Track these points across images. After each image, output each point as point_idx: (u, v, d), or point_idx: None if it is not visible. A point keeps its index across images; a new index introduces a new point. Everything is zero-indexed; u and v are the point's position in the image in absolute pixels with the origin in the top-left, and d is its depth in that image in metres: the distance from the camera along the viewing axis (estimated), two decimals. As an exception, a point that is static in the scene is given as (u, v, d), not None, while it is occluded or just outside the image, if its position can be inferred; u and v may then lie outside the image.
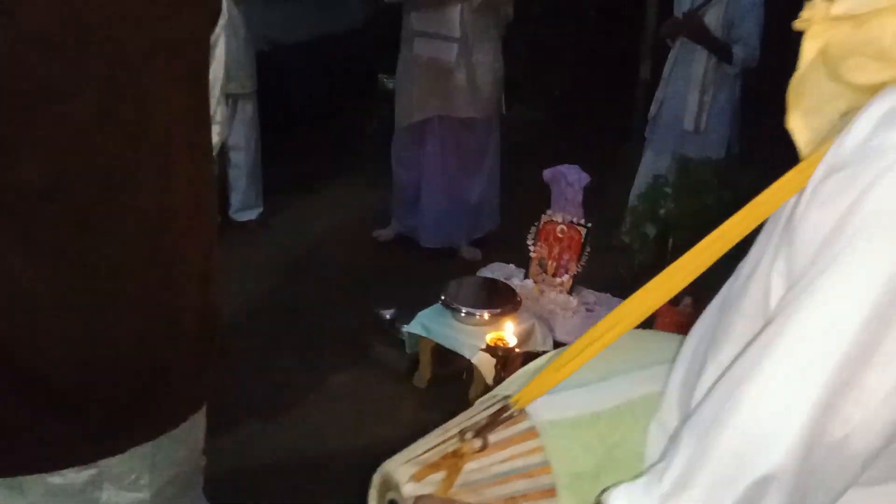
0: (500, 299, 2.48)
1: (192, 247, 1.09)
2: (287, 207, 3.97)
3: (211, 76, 1.13)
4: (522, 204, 3.06)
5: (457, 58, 3.14)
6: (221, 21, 1.14)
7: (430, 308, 2.52)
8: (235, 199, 3.76)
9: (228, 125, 3.49)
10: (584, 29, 5.62)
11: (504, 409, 0.74)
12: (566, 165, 2.71)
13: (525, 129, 4.93)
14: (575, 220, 2.65)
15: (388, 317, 2.79)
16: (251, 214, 3.80)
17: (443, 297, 2.48)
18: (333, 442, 2.35)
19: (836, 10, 0.56)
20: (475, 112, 3.27)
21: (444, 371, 2.54)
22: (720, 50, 2.85)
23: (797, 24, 0.58)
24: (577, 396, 0.74)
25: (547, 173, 2.75)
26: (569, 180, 2.71)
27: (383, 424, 2.39)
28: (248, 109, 3.59)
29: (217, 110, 1.19)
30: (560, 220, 2.67)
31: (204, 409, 1.24)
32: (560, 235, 2.65)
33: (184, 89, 1.05)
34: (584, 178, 2.69)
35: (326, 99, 5.19)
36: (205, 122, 1.12)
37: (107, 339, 1.00)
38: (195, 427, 1.22)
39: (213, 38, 1.12)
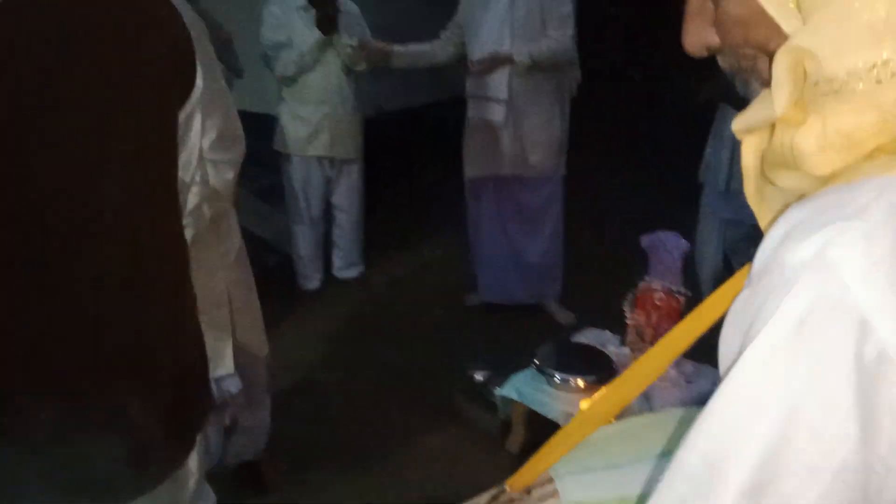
0: (596, 366, 2.44)
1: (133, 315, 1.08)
2: (387, 266, 4.08)
3: (189, 143, 1.16)
4: (611, 266, 3.03)
5: (504, 119, 3.20)
6: (195, 95, 1.14)
7: (524, 372, 2.51)
8: (338, 257, 3.91)
9: (323, 191, 3.65)
10: (659, 87, 5.58)
11: (501, 492, 0.75)
12: (664, 232, 2.67)
13: (607, 189, 4.91)
14: (674, 288, 2.59)
15: (480, 379, 2.80)
16: (353, 272, 3.93)
17: (536, 362, 2.47)
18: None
19: (736, 125, 0.57)
20: (527, 171, 3.29)
21: (536, 436, 2.51)
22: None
23: (736, 131, 0.58)
24: (606, 478, 0.73)
25: (644, 239, 2.71)
26: (667, 247, 2.66)
27: (474, 488, 2.37)
28: (353, 172, 3.75)
29: (196, 174, 1.22)
30: (658, 287, 2.62)
31: (191, 466, 1.18)
32: (658, 303, 2.59)
33: (137, 154, 1.06)
34: (684, 244, 2.64)
35: (429, 161, 5.35)
36: (167, 187, 1.14)
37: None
38: (178, 488, 1.17)
39: (189, 108, 1.14)
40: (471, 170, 3.38)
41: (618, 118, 6.17)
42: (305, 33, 3.31)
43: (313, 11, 3.30)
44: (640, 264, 2.71)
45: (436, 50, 3.36)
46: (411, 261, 4.19)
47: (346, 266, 3.92)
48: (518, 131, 3.21)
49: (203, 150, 1.20)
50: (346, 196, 3.76)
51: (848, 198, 0.47)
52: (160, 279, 1.13)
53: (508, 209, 3.40)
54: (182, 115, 1.12)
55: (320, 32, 3.29)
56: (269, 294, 3.54)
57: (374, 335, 3.42)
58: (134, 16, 1.06)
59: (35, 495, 1.00)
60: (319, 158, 3.58)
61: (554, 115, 3.28)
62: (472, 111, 3.31)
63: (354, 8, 3.49)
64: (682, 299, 2.55)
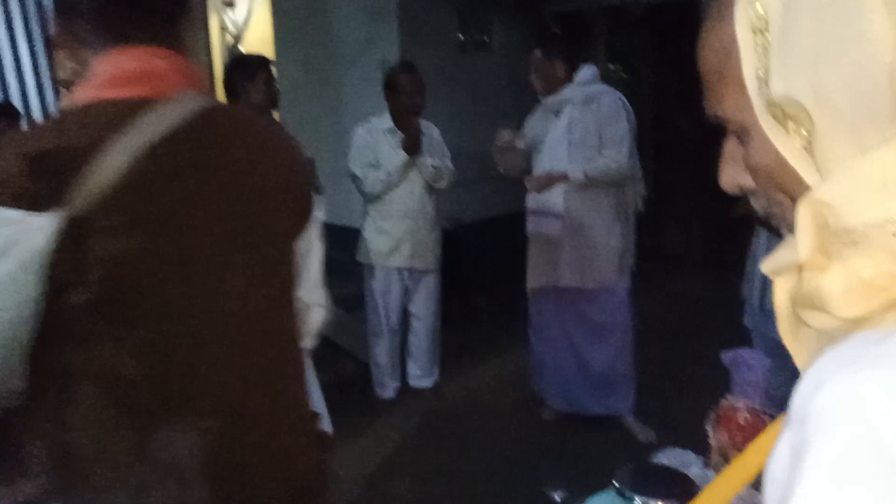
0: (678, 490, 2.36)
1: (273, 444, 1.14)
2: (462, 376, 4.11)
3: (311, 267, 1.25)
4: (690, 380, 2.97)
5: (562, 233, 3.29)
6: (315, 224, 1.24)
7: (603, 493, 2.43)
8: (413, 366, 3.97)
9: (401, 300, 3.76)
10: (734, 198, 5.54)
11: None
12: (747, 349, 2.63)
13: (683, 299, 4.85)
14: (759, 407, 2.53)
15: (557, 499, 2.74)
16: (427, 382, 3.97)
17: (616, 484, 2.42)
18: None
19: (765, 267, 0.58)
20: (587, 284, 3.33)
21: (616, 560, 2.42)
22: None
23: (767, 272, 0.59)
24: None
25: (726, 357, 2.67)
26: (750, 364, 2.62)
27: None
28: (430, 283, 3.86)
29: (318, 294, 1.30)
30: (742, 406, 2.56)
31: None
32: (743, 423, 2.52)
33: (262, 283, 1.13)
34: (767, 362, 2.59)
35: (505, 272, 5.43)
36: (287, 311, 1.21)
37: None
38: None
39: (308, 235, 1.23)
40: (532, 281, 3.46)
41: (692, 228, 6.16)
42: (392, 154, 3.53)
43: (399, 134, 3.53)
44: (721, 380, 2.67)
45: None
46: (487, 372, 4.21)
47: (421, 375, 3.97)
48: (576, 245, 3.28)
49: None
50: (424, 305, 3.86)
51: (878, 346, 0.48)
52: (285, 398, 1.19)
53: (571, 320, 3.43)
54: (302, 243, 1.21)
55: (406, 154, 3.51)
56: (346, 401, 3.63)
57: (448, 446, 3.42)
58: (268, 152, 1.17)
59: None
60: (400, 269, 3.71)
61: (614, 228, 3.33)
62: (531, 225, 3.43)
63: (436, 131, 3.71)
64: (768, 420, 2.49)
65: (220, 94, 3.12)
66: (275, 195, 1.16)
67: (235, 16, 6.50)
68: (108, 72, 1.03)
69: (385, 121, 3.59)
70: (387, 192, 3.57)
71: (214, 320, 1.07)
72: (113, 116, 0.98)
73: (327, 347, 4.30)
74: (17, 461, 1.06)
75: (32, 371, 1.02)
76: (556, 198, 3.29)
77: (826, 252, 0.53)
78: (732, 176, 0.62)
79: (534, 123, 3.44)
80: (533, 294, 3.51)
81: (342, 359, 4.30)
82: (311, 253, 1.25)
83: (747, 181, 0.61)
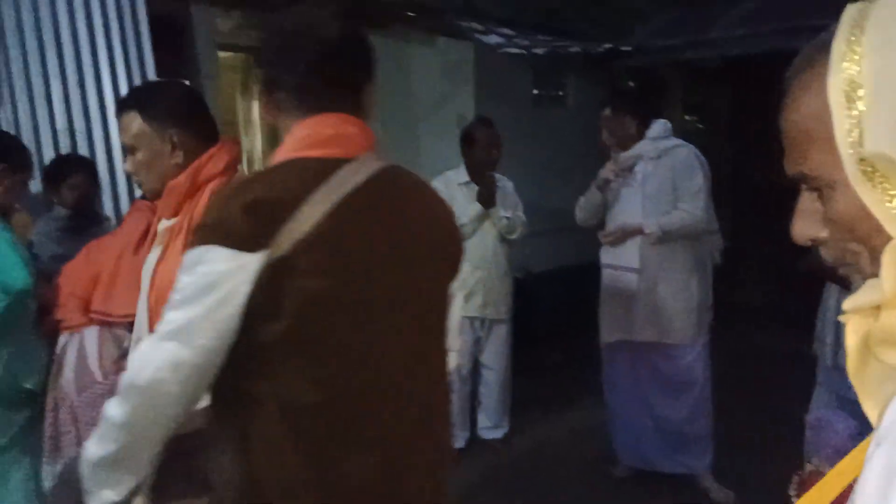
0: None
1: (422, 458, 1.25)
2: (531, 428, 4.07)
3: (454, 314, 1.36)
4: (771, 440, 2.86)
5: (637, 287, 3.25)
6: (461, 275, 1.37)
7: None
8: (483, 417, 3.96)
9: (472, 350, 3.79)
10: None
11: None
12: (832, 412, 2.54)
13: (766, 356, 4.69)
14: (844, 472, 2.42)
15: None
16: (497, 433, 3.95)
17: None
18: None
19: (846, 305, 0.61)
20: (662, 338, 3.26)
21: None
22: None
23: (841, 318, 0.63)
24: None
25: (811, 419, 2.58)
26: (836, 427, 2.52)
27: None
28: (501, 332, 3.87)
29: (454, 341, 1.38)
30: (827, 471, 2.46)
31: None
32: (827, 488, 2.42)
33: (426, 325, 1.26)
34: (852, 426, 2.49)
35: (576, 323, 5.40)
36: (441, 352, 1.32)
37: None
38: None
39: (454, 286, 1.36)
40: (606, 335, 3.42)
41: (772, 280, 5.99)
42: (466, 206, 3.61)
43: (474, 187, 3.62)
44: (802, 439, 2.57)
45: None
46: (558, 425, 4.15)
47: (491, 426, 3.95)
48: (652, 299, 3.24)
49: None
50: (495, 355, 3.87)
51: None
52: (437, 433, 1.30)
53: (647, 375, 3.36)
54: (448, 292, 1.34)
55: (480, 206, 3.58)
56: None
57: (517, 500, 3.38)
58: (433, 205, 1.33)
59: None
60: (472, 318, 3.74)
61: (690, 282, 3.28)
62: (606, 279, 3.40)
63: (509, 184, 3.78)
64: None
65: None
66: (440, 244, 1.30)
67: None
68: (308, 135, 1.20)
69: (460, 174, 3.69)
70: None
71: (385, 358, 1.18)
72: (312, 173, 1.14)
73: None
74: (194, 480, 1.17)
75: (217, 395, 1.15)
76: (630, 252, 3.27)
77: None
78: (805, 228, 0.66)
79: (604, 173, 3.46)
80: (607, 348, 3.47)
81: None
82: (453, 303, 1.36)
83: (819, 233, 0.65)
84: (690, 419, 3.33)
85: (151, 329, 1.49)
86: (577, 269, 5.54)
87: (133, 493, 1.15)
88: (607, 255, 3.39)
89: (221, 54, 6.14)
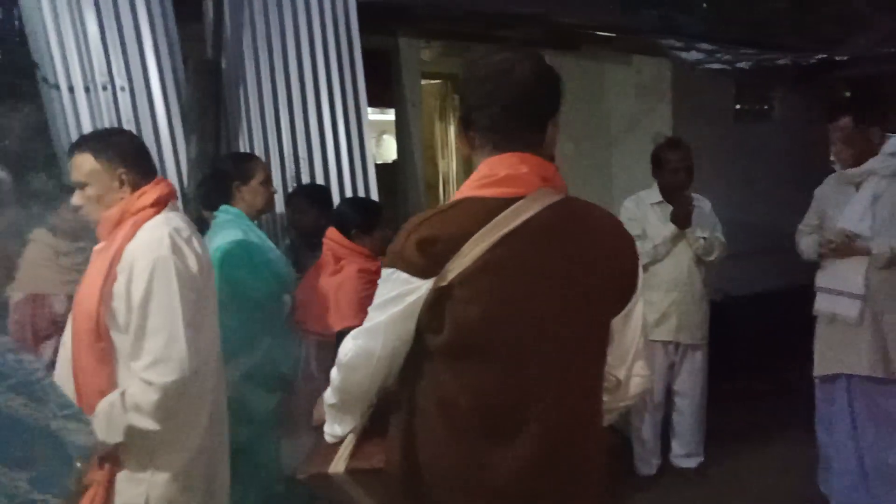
0: None
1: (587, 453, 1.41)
2: (727, 459, 3.87)
3: (625, 343, 1.45)
4: None
5: (860, 315, 2.94)
6: (631, 305, 1.43)
7: None
8: (677, 445, 3.83)
9: (665, 375, 3.68)
10: None
11: None
12: None
13: None
14: None
15: None
16: (691, 462, 3.80)
17: None
18: None
19: None
20: (890, 374, 2.93)
21: None
22: None
23: None
24: None
25: None
26: None
27: None
28: (696, 358, 3.73)
29: (637, 366, 1.47)
30: None
31: None
32: None
33: (576, 347, 1.38)
34: None
35: (778, 350, 5.07)
36: (593, 376, 1.44)
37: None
38: None
39: (624, 314, 1.43)
40: (821, 367, 3.16)
41: None
42: (659, 227, 3.54)
43: (667, 207, 3.54)
44: None
45: None
46: (756, 458, 3.91)
47: (684, 455, 3.81)
48: (878, 329, 2.95)
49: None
50: (689, 382, 3.73)
51: None
52: (596, 412, 1.46)
53: (868, 414, 3.05)
54: (619, 318, 1.42)
55: (674, 226, 3.50)
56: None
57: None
58: (601, 240, 1.41)
59: None
60: (665, 343, 3.65)
61: None
62: (823, 304, 3.14)
63: (707, 204, 3.65)
64: None
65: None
66: (608, 276, 1.39)
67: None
68: (484, 175, 1.36)
69: (653, 194, 3.62)
70: (653, 265, 3.57)
71: (533, 376, 1.34)
72: (479, 212, 1.31)
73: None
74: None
75: (400, 386, 1.43)
76: (854, 275, 3.01)
77: None
78: None
79: (825, 195, 3.23)
80: (822, 382, 3.21)
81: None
82: (629, 328, 1.45)
83: None
84: None
85: (73, 337, 1.86)
86: (780, 293, 5.19)
87: (351, 431, 1.50)
88: (825, 278, 3.15)
89: (423, 82, 6.52)
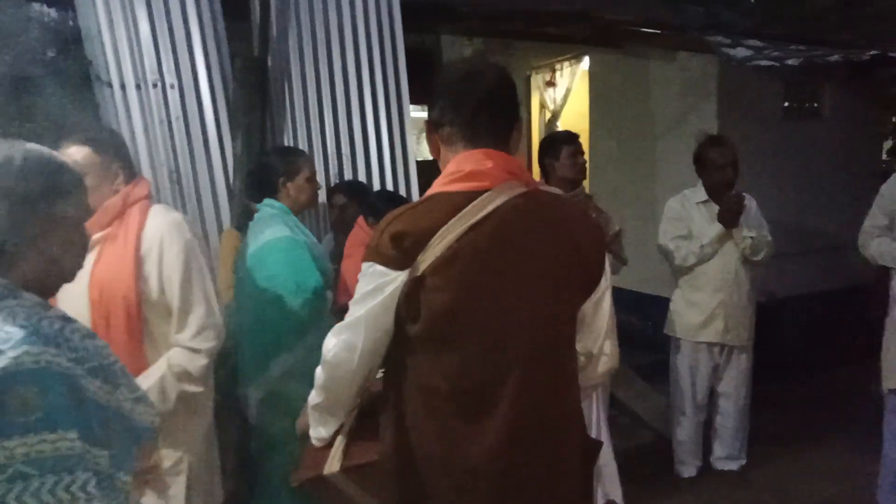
0: None
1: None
2: (770, 463, 3.80)
3: (596, 325, 1.58)
4: None
5: None
6: (600, 291, 1.55)
7: None
8: (719, 447, 3.78)
9: (710, 377, 3.62)
10: None
11: None
12: None
13: None
14: None
15: None
16: (732, 465, 3.75)
17: None
18: None
19: None
20: None
21: None
22: None
23: None
24: None
25: None
26: None
27: None
28: (741, 360, 3.67)
29: (606, 346, 1.61)
30: None
31: None
32: None
33: (545, 331, 1.46)
34: None
35: (829, 354, 4.96)
36: (565, 356, 1.52)
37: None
38: None
39: (595, 298, 1.55)
40: (892, 380, 3.05)
41: None
42: (705, 226, 3.49)
43: (713, 206, 3.48)
44: None
45: None
46: (800, 464, 3.83)
47: (726, 457, 3.76)
48: None
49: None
50: (734, 384, 3.68)
51: None
52: (570, 387, 1.55)
53: None
54: (589, 304, 1.55)
55: (721, 226, 3.44)
56: (643, 473, 3.58)
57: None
58: (564, 231, 1.49)
59: None
60: (710, 344, 3.60)
61: None
62: (895, 313, 3.03)
63: (753, 202, 3.58)
64: None
65: (536, 169, 3.40)
66: (566, 266, 1.47)
67: (555, 94, 6.95)
68: (452, 172, 1.45)
69: (698, 193, 3.57)
70: (700, 265, 3.52)
71: (504, 359, 1.42)
72: (447, 206, 1.39)
73: (627, 415, 4.31)
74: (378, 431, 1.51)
75: (385, 376, 1.50)
76: None
77: None
78: None
79: (891, 192, 3.10)
80: (891, 394, 3.10)
81: (641, 430, 4.25)
82: (599, 313, 1.58)
83: None
84: None
85: (94, 318, 1.95)
86: (829, 294, 5.08)
87: (337, 433, 1.57)
88: None
89: (464, 79, 6.50)
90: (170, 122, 3.10)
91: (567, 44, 5.83)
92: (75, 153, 2.00)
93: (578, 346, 1.58)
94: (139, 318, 1.99)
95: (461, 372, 1.41)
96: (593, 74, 6.03)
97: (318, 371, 1.51)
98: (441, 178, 1.46)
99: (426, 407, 1.43)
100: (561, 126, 6.86)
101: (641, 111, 5.37)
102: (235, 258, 2.71)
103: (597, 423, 2.90)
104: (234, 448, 2.61)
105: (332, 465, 1.52)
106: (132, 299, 1.96)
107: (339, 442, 1.55)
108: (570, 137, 3.27)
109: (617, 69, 5.61)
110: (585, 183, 3.49)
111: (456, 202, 1.39)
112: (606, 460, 2.99)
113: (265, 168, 2.70)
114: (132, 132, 3.05)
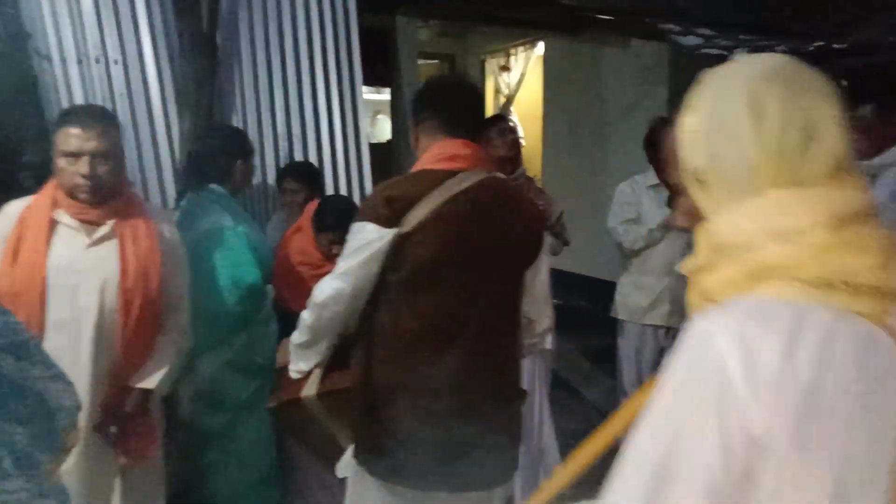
0: None
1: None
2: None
3: (536, 290, 1.89)
4: None
5: None
6: (540, 261, 1.88)
7: None
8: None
9: (655, 360, 3.70)
10: None
11: None
12: None
13: None
14: None
15: None
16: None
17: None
18: None
19: (683, 269, 0.94)
20: None
21: None
22: None
23: (683, 272, 0.95)
24: None
25: None
26: None
27: None
28: (687, 343, 3.75)
29: (544, 308, 1.93)
30: None
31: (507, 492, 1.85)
32: None
33: (498, 285, 1.80)
34: None
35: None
36: (512, 310, 1.86)
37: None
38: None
39: (535, 267, 1.87)
40: None
41: None
42: (654, 210, 3.54)
43: (663, 190, 3.53)
44: None
45: None
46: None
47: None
48: None
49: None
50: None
51: (722, 308, 0.82)
52: (513, 340, 1.89)
53: None
54: (530, 271, 1.87)
55: (670, 210, 3.48)
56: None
57: None
58: (515, 208, 1.84)
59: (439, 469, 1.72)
60: (655, 327, 3.66)
61: None
62: None
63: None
64: None
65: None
66: (519, 235, 1.83)
67: (510, 79, 6.96)
68: (435, 153, 1.80)
69: (649, 177, 3.61)
70: (648, 249, 3.57)
71: (465, 304, 1.74)
72: (432, 179, 1.74)
73: (573, 397, 4.37)
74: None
75: (361, 319, 1.79)
76: None
77: (711, 260, 0.87)
78: (682, 220, 1.00)
79: None
80: None
81: (590, 411, 4.32)
82: (538, 278, 1.90)
83: (685, 222, 0.99)
84: None
85: (123, 306, 2.04)
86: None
87: (315, 366, 1.84)
88: None
89: (420, 62, 6.47)
90: (113, 100, 3.01)
91: (522, 29, 5.83)
92: (107, 131, 2.01)
93: (522, 310, 1.88)
94: (160, 309, 2.11)
95: (431, 315, 1.72)
96: (547, 60, 6.06)
97: (305, 314, 1.79)
98: (427, 158, 1.80)
99: (399, 342, 1.73)
100: (515, 111, 6.88)
101: (594, 97, 5.42)
102: None
103: (539, 402, 2.96)
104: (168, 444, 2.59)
105: (310, 389, 1.81)
106: (159, 294, 2.09)
107: (318, 372, 1.83)
108: (496, 118, 3.30)
109: (571, 55, 5.64)
110: (538, 166, 3.51)
111: (439, 177, 1.74)
112: (548, 440, 3.05)
113: (216, 149, 2.62)
114: (73, 109, 2.95)
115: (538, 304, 1.91)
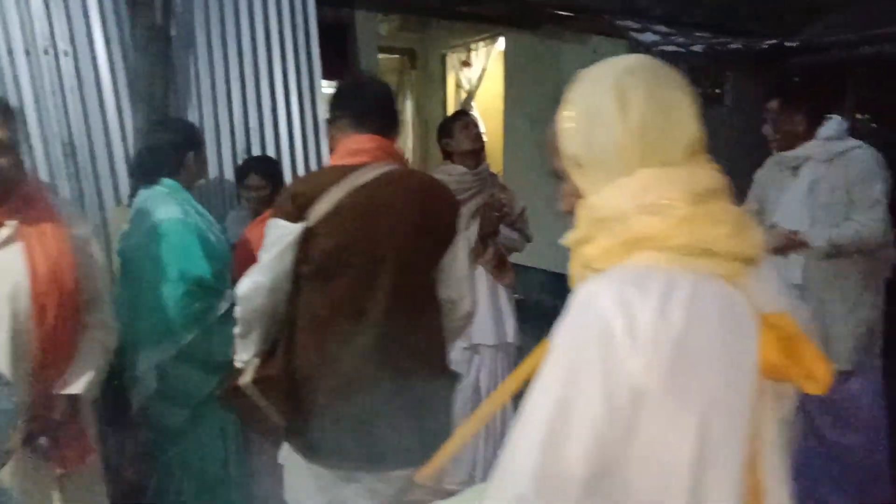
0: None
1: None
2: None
3: (454, 273, 1.98)
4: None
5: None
6: (456, 245, 1.98)
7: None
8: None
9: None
10: None
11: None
12: None
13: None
14: None
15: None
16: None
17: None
18: None
19: (565, 241, 1.05)
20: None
21: None
22: None
23: (565, 244, 1.05)
24: None
25: None
26: None
27: None
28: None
29: (463, 289, 2.02)
30: None
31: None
32: None
33: (410, 272, 1.90)
34: None
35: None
36: (429, 296, 1.98)
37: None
38: (405, 485, 1.87)
39: (453, 251, 1.98)
40: None
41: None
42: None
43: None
44: None
45: None
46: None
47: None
48: (817, 321, 2.84)
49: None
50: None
51: (604, 274, 0.93)
52: (430, 322, 2.00)
53: (815, 406, 2.99)
54: (447, 257, 1.97)
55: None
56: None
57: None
58: (422, 198, 1.94)
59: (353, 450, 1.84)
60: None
61: (861, 302, 2.91)
62: None
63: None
64: None
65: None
66: (423, 223, 1.91)
67: (471, 74, 6.96)
68: (340, 150, 1.92)
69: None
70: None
71: (373, 292, 1.84)
72: (334, 174, 1.86)
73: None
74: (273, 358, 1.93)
75: (286, 310, 1.89)
76: (792, 266, 2.91)
77: (590, 233, 0.98)
78: (566, 203, 1.07)
79: (764, 179, 3.14)
80: None
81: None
82: (457, 262, 1.99)
83: (570, 205, 1.06)
84: (867, 451, 3.00)
85: (36, 309, 1.92)
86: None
87: (254, 356, 1.93)
88: None
89: (380, 56, 6.43)
90: (63, 92, 2.92)
91: (483, 24, 5.83)
92: None
93: (443, 294, 1.99)
94: (79, 310, 1.94)
95: (340, 301, 1.83)
96: (508, 55, 6.08)
97: (236, 310, 1.90)
98: (336, 154, 1.94)
99: (312, 329, 1.84)
100: (476, 106, 6.89)
101: (555, 92, 5.44)
102: (120, 238, 2.57)
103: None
104: (125, 441, 2.53)
105: (246, 377, 1.90)
106: (78, 292, 1.91)
107: (253, 361, 1.93)
108: (459, 113, 3.40)
109: (531, 51, 5.67)
110: (499, 161, 3.52)
111: (341, 171, 1.85)
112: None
113: (165, 142, 2.56)
114: (21, 102, 2.85)
115: (458, 288, 2.00)
